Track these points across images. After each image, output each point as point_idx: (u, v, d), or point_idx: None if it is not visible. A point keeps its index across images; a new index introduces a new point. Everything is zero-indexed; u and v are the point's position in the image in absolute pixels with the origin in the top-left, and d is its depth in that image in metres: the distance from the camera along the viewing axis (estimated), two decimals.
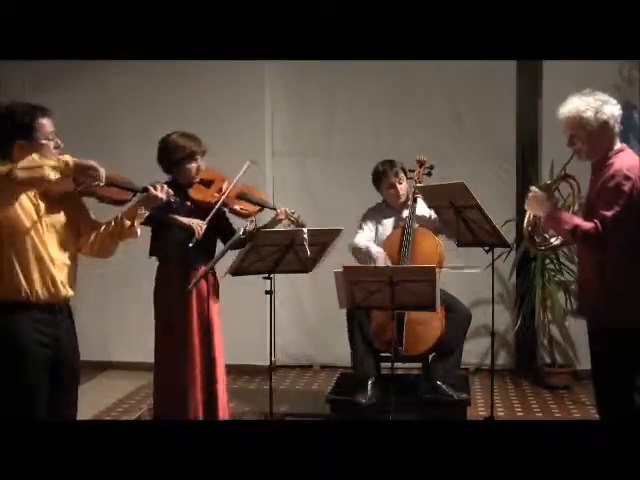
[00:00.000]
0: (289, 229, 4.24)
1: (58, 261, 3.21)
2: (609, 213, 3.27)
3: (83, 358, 6.39)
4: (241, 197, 4.27)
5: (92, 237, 3.39)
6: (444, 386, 4.87)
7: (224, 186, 4.21)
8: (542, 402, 5.72)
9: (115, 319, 6.67)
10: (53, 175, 2.96)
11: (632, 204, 3.29)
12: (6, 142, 3.15)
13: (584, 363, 6.02)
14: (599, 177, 3.41)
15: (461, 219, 4.42)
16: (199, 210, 4.15)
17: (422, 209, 5.06)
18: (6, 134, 3.15)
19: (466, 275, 5.90)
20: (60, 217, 3.25)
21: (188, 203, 4.17)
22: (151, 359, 4.38)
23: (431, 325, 4.83)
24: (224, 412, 4.25)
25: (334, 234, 4.23)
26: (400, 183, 5.11)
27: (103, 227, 3.39)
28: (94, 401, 5.77)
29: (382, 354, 4.96)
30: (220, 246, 4.27)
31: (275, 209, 4.35)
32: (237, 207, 4.24)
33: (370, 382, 4.88)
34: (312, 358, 6.78)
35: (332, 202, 6.55)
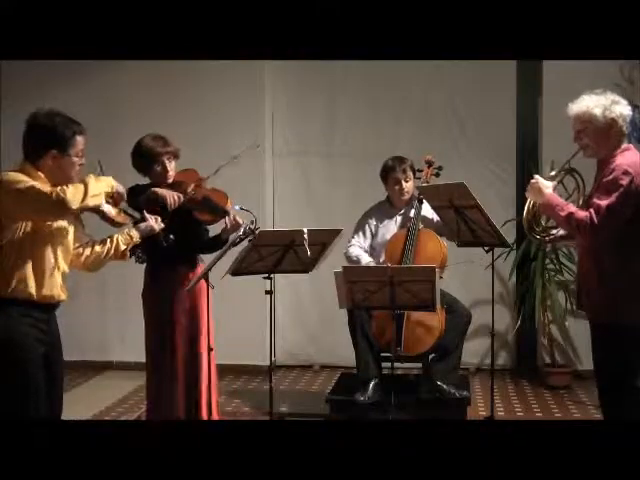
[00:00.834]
0: (289, 229, 4.24)
1: (61, 268, 3.34)
2: (603, 203, 3.32)
3: (83, 358, 6.43)
4: (203, 203, 4.21)
5: (87, 252, 3.52)
6: (445, 386, 4.87)
7: (190, 187, 4.21)
8: (542, 402, 5.72)
9: (115, 319, 6.67)
10: (104, 201, 3.27)
11: (629, 199, 3.32)
12: (40, 150, 3.25)
13: (584, 363, 6.04)
14: (602, 174, 3.45)
15: (461, 219, 4.42)
16: (155, 199, 4.12)
17: (426, 211, 5.06)
18: (42, 142, 3.25)
19: (466, 275, 5.91)
20: (66, 227, 3.35)
21: (148, 193, 4.16)
22: None
23: (431, 325, 4.83)
24: (212, 412, 4.24)
25: (334, 234, 4.23)
26: (406, 181, 5.10)
27: (98, 246, 3.54)
28: (94, 401, 5.77)
29: (382, 354, 4.96)
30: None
31: (228, 215, 4.22)
32: (198, 214, 4.22)
33: (372, 383, 4.88)
34: (312, 358, 6.78)
35: (332, 202, 6.55)
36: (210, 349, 4.19)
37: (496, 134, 6.38)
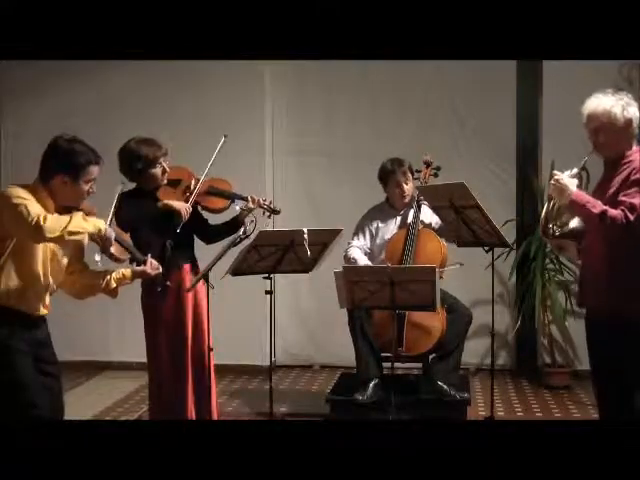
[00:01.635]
0: (289, 229, 4.24)
1: (50, 285, 3.40)
2: (636, 201, 3.30)
3: (83, 358, 6.43)
4: (211, 192, 4.26)
5: (80, 279, 3.59)
6: (445, 386, 4.87)
7: (192, 184, 4.22)
8: (542, 402, 5.72)
9: (115, 319, 6.66)
10: (87, 240, 3.27)
11: None
12: (51, 171, 3.30)
13: (584, 363, 6.02)
14: (614, 174, 3.44)
15: (461, 219, 4.42)
16: (170, 213, 4.14)
17: (424, 215, 5.07)
18: (55, 165, 3.30)
19: (466, 275, 5.91)
20: (62, 250, 3.40)
21: (159, 206, 4.16)
22: None
23: (432, 325, 4.83)
24: (215, 412, 4.25)
25: (334, 234, 4.23)
26: (407, 183, 5.11)
27: (92, 276, 3.61)
28: (94, 401, 5.77)
29: (382, 354, 4.96)
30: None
31: (246, 198, 4.30)
32: (208, 204, 4.24)
33: (372, 383, 4.88)
34: (312, 358, 6.78)
35: (332, 202, 6.55)
36: (210, 349, 4.19)
37: (496, 134, 6.38)
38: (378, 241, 5.18)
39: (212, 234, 4.37)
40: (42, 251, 3.32)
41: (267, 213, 4.36)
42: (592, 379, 3.61)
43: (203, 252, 4.42)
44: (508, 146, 6.43)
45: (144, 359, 4.31)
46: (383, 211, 5.24)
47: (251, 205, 4.30)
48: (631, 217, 3.30)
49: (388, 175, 5.12)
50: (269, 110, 6.69)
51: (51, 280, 3.39)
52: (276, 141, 6.75)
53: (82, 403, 5.61)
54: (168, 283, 3.91)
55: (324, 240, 4.18)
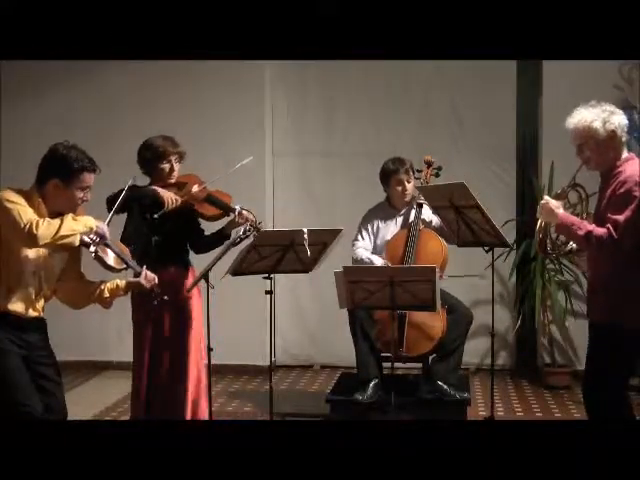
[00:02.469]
0: (289, 229, 4.24)
1: (43, 290, 3.44)
2: (621, 217, 3.30)
3: (83, 358, 6.43)
4: (208, 200, 4.26)
5: (75, 288, 3.60)
6: (445, 386, 4.87)
7: (194, 188, 4.23)
8: (542, 402, 5.72)
9: (115, 319, 6.64)
10: (78, 241, 3.30)
11: None
12: (44, 175, 3.35)
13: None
14: (608, 186, 3.44)
15: (461, 219, 4.42)
16: (170, 212, 4.15)
17: (425, 216, 5.07)
18: (48, 169, 3.35)
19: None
20: (55, 255, 3.43)
21: (147, 189, 4.18)
22: None
23: (432, 326, 4.83)
24: (197, 414, 4.24)
25: (334, 234, 4.23)
26: (408, 182, 5.10)
27: (85, 285, 3.62)
28: (94, 401, 5.77)
29: (383, 354, 4.96)
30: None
31: (234, 211, 4.25)
32: (202, 210, 4.25)
33: (372, 384, 4.88)
34: (312, 358, 6.78)
35: (332, 202, 6.55)
36: (210, 349, 4.19)
37: (496, 134, 6.38)
38: (379, 241, 5.17)
39: (202, 244, 4.37)
40: (34, 255, 3.34)
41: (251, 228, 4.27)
42: (584, 382, 3.61)
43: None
44: (508, 146, 6.44)
45: None
46: (384, 211, 5.24)
47: (238, 220, 4.24)
48: (615, 235, 3.30)
49: (389, 174, 5.12)
50: (269, 110, 6.69)
51: (44, 285, 3.42)
52: (276, 141, 6.75)
53: (82, 403, 5.61)
54: (165, 297, 3.85)
55: (324, 240, 4.18)
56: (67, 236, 3.23)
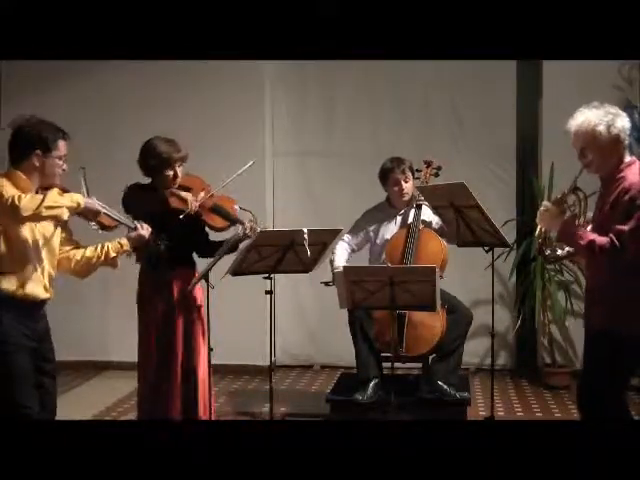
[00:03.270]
0: (289, 229, 4.24)
1: (46, 269, 3.46)
2: (625, 227, 3.25)
3: (83, 358, 6.42)
4: (214, 210, 4.25)
5: (77, 257, 3.65)
6: (445, 386, 4.87)
7: (200, 195, 4.22)
8: (542, 402, 5.72)
9: (115, 319, 6.66)
10: (66, 215, 3.33)
11: None
12: (25, 151, 3.39)
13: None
14: (610, 191, 3.39)
15: (461, 219, 4.41)
16: (173, 217, 4.15)
17: (424, 216, 5.07)
18: (27, 144, 3.38)
19: (466, 275, 5.92)
20: (50, 230, 3.48)
21: (167, 193, 4.19)
22: None
23: (432, 326, 4.83)
24: (205, 413, 4.24)
25: (334, 234, 4.23)
26: (406, 181, 5.10)
27: (89, 251, 3.67)
28: (94, 401, 5.77)
29: (383, 354, 4.96)
30: None
31: (243, 223, 4.23)
32: (208, 220, 4.25)
33: (372, 383, 4.88)
34: (312, 358, 6.78)
35: (332, 202, 6.55)
36: (210, 349, 4.19)
37: (496, 134, 6.38)
38: (378, 241, 5.17)
39: (207, 250, 4.36)
40: (31, 235, 3.38)
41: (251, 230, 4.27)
42: (580, 383, 3.61)
43: None
44: (508, 146, 6.43)
45: None
46: (383, 211, 5.24)
47: (242, 233, 4.22)
48: (619, 244, 3.25)
49: (387, 174, 5.12)
50: (269, 110, 6.69)
51: (46, 264, 3.45)
52: (276, 141, 6.75)
53: (82, 403, 5.61)
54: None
55: (324, 240, 4.18)
56: (52, 207, 3.26)
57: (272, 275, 4.28)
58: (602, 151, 3.38)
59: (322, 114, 6.67)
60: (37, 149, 3.36)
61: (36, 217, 3.26)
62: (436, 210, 4.71)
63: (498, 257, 5.17)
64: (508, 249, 5.50)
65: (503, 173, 6.47)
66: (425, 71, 6.35)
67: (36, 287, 3.40)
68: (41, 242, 3.43)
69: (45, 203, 3.23)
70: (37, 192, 3.37)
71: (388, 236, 5.13)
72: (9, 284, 3.33)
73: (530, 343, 6.45)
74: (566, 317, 6.01)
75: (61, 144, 3.43)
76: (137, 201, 4.09)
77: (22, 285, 3.35)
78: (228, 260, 4.12)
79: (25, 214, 3.20)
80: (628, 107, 5.44)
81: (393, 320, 4.45)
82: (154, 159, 4.18)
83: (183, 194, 4.19)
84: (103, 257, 3.68)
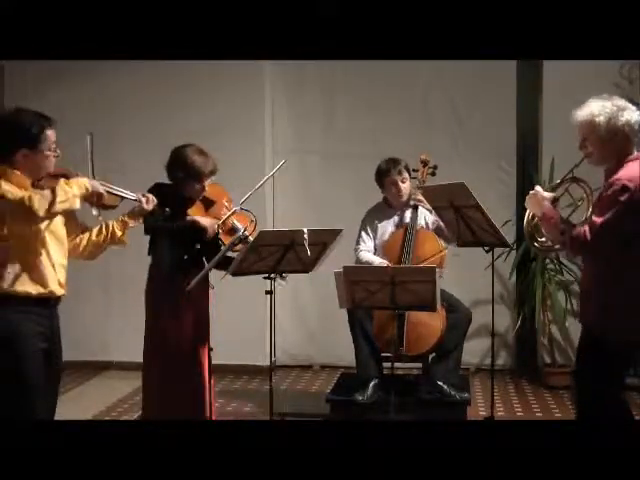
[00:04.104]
0: (289, 229, 4.24)
1: (58, 262, 3.35)
2: (599, 220, 3.21)
3: (83, 358, 6.43)
4: (234, 230, 4.26)
5: (84, 241, 3.57)
6: (445, 386, 4.87)
7: (223, 212, 4.23)
8: (542, 402, 5.72)
9: (116, 319, 6.67)
10: (79, 203, 3.25)
11: (628, 215, 3.19)
12: (10, 148, 3.23)
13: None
14: (605, 185, 3.35)
15: (461, 219, 4.41)
16: (194, 229, 4.17)
17: (421, 217, 5.08)
18: (11, 141, 3.23)
19: (466, 275, 5.91)
20: (57, 221, 3.37)
21: (188, 220, 4.20)
22: None
23: (432, 325, 4.83)
24: (212, 412, 4.25)
25: (334, 234, 4.23)
26: (403, 182, 5.11)
27: (95, 233, 3.57)
28: (94, 401, 5.77)
29: (383, 354, 4.96)
30: None
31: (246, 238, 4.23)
32: (224, 238, 4.25)
33: (372, 383, 4.88)
34: (312, 358, 6.78)
35: (332, 202, 6.55)
36: (210, 349, 4.20)
37: (496, 134, 6.38)
38: (377, 241, 5.19)
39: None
40: (39, 231, 3.27)
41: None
42: (574, 381, 3.60)
43: None
44: (508, 146, 6.44)
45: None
46: (381, 211, 5.25)
47: (243, 236, 4.24)
48: (589, 237, 3.21)
49: (383, 175, 5.13)
50: (269, 110, 6.69)
51: (58, 258, 3.35)
52: (276, 141, 6.75)
53: (82, 403, 5.61)
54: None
55: (324, 240, 4.18)
56: (64, 201, 3.17)
57: (272, 275, 4.28)
58: (600, 143, 3.32)
59: (322, 114, 6.67)
60: (23, 147, 3.22)
61: (52, 215, 3.18)
62: (436, 210, 4.71)
63: (498, 257, 5.17)
64: (508, 249, 5.50)
65: (503, 173, 6.48)
66: (425, 71, 6.35)
67: (51, 285, 3.31)
68: (50, 236, 3.32)
69: (58, 198, 3.14)
70: (34, 185, 3.26)
71: (386, 236, 5.14)
72: (24, 283, 3.23)
73: (530, 343, 6.45)
74: (566, 317, 6.01)
75: (48, 133, 3.26)
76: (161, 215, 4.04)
77: (36, 284, 3.25)
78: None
79: (41, 214, 3.11)
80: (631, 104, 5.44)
81: (393, 320, 4.45)
82: (183, 171, 4.19)
83: (203, 221, 4.18)
84: (110, 237, 3.59)
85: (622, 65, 5.95)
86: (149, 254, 4.30)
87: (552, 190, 3.52)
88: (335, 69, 6.44)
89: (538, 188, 3.51)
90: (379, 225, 5.20)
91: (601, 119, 3.30)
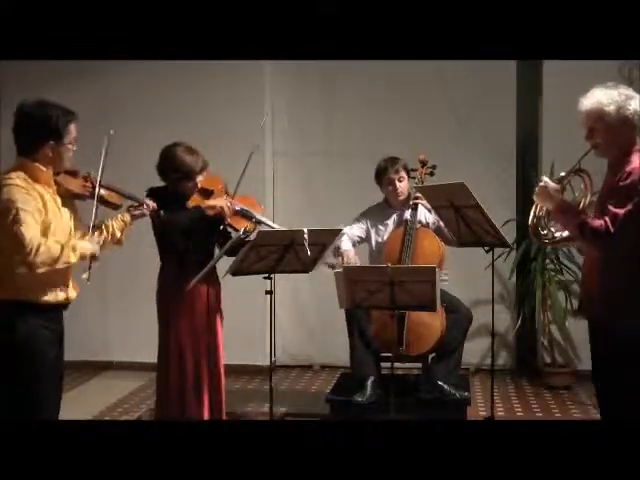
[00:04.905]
0: (289, 229, 4.24)
1: (71, 260, 3.29)
2: (621, 211, 3.14)
3: (84, 358, 6.43)
4: (239, 213, 4.26)
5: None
6: (445, 386, 4.87)
7: (223, 197, 4.23)
8: (542, 402, 5.72)
9: (116, 319, 6.67)
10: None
11: None
12: (37, 142, 3.21)
13: (584, 363, 6.03)
14: (614, 175, 3.28)
15: (461, 219, 4.41)
16: (200, 219, 4.17)
17: (421, 216, 5.07)
18: (39, 134, 3.21)
19: (466, 275, 5.91)
20: (69, 225, 3.36)
21: (201, 208, 4.21)
22: (152, 359, 4.39)
23: (432, 325, 4.83)
24: (223, 412, 4.27)
25: (334, 234, 4.23)
26: (400, 181, 5.11)
27: (96, 233, 3.53)
28: (94, 401, 5.77)
29: (382, 354, 4.96)
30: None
31: (260, 223, 4.30)
32: (234, 224, 4.26)
33: (369, 382, 4.88)
34: (312, 358, 6.78)
35: (332, 202, 6.55)
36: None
37: (496, 134, 6.38)
38: (377, 241, 5.18)
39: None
40: (54, 235, 3.23)
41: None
42: (593, 381, 3.57)
43: None
44: (508, 146, 6.43)
45: (145, 359, 4.32)
46: (381, 210, 5.25)
47: (244, 235, 4.24)
48: (612, 228, 3.14)
49: (382, 174, 5.14)
50: (269, 110, 6.69)
51: (71, 257, 3.29)
52: (276, 141, 6.75)
53: (82, 403, 5.61)
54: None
55: (324, 240, 4.18)
56: (66, 262, 3.18)
57: (272, 275, 4.28)
58: (610, 132, 3.26)
59: (322, 114, 6.67)
60: (50, 140, 3.20)
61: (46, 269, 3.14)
62: (436, 210, 4.70)
63: (498, 257, 5.17)
64: (508, 249, 5.50)
65: (503, 173, 6.47)
66: (425, 71, 6.35)
67: (65, 290, 3.31)
68: (63, 239, 3.27)
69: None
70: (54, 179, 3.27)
71: (386, 236, 5.14)
72: (39, 290, 3.20)
73: (530, 343, 6.45)
74: (566, 317, 6.01)
75: (72, 127, 3.27)
76: (171, 218, 4.10)
77: (52, 290, 3.23)
78: (228, 260, 4.12)
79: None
80: None
81: (393, 320, 4.45)
82: (174, 171, 4.19)
83: (214, 203, 4.19)
84: (110, 237, 3.63)
85: (622, 65, 5.95)
86: (161, 259, 4.29)
87: (559, 182, 3.43)
88: (335, 69, 6.43)
89: (546, 179, 3.42)
90: (379, 224, 5.20)
91: (611, 108, 3.24)
